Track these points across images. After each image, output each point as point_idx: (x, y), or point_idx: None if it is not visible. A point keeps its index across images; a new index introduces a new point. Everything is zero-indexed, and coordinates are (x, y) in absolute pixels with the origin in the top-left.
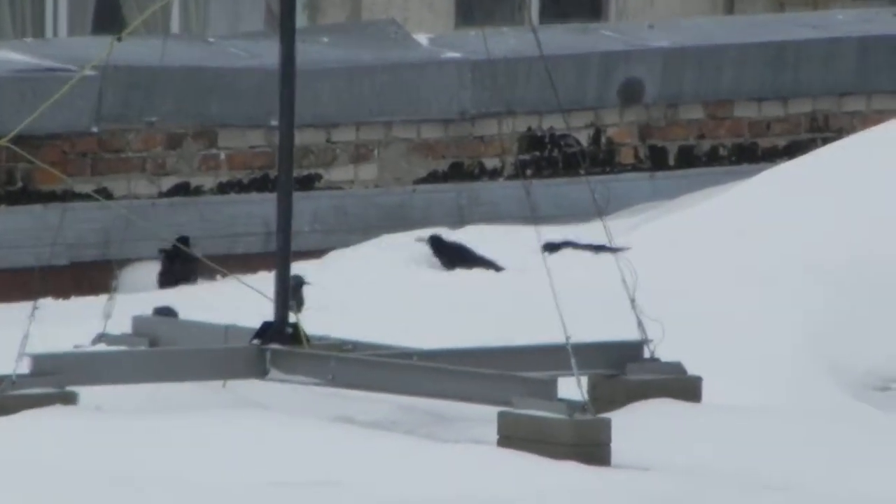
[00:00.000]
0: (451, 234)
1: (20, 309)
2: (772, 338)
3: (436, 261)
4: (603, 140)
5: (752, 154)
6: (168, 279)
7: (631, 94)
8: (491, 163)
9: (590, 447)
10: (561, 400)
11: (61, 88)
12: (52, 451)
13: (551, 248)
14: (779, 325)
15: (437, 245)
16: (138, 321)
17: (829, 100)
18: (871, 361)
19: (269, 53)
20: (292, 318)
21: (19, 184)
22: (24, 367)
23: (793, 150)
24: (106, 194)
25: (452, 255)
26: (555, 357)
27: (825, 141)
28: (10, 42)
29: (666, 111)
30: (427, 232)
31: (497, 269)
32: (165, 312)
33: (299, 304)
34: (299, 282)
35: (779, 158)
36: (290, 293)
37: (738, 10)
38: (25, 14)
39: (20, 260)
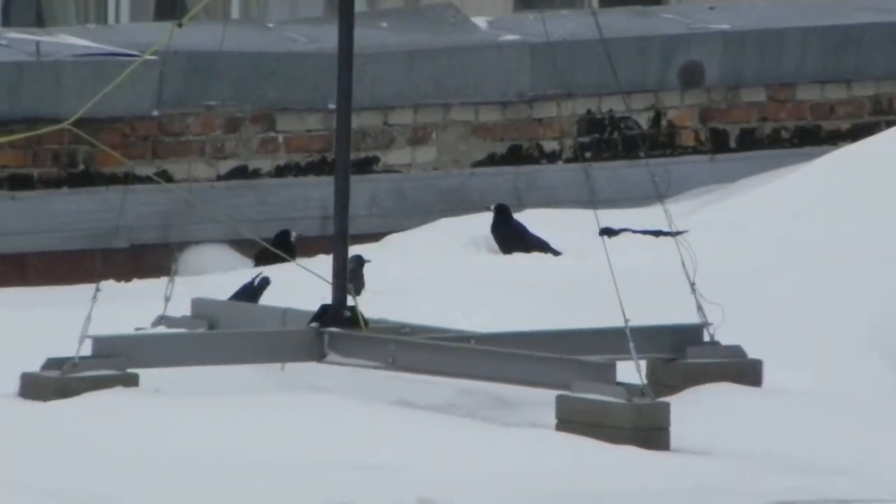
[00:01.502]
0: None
1: (82, 291)
2: (832, 321)
3: (494, 245)
4: (663, 123)
5: (814, 137)
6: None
7: (692, 76)
8: (549, 146)
9: (648, 431)
10: (619, 384)
11: (123, 73)
12: (113, 432)
13: (609, 233)
14: (839, 309)
15: (503, 214)
16: (198, 304)
17: (893, 83)
18: None
19: (327, 38)
20: (350, 301)
21: (81, 166)
22: (86, 350)
23: (856, 132)
24: (166, 177)
25: (512, 231)
26: (613, 341)
27: (889, 124)
28: (73, 27)
29: (727, 94)
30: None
31: (555, 253)
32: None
33: (359, 285)
34: (360, 261)
35: (842, 141)
36: (348, 275)
37: None
38: (88, 0)
39: (82, 242)
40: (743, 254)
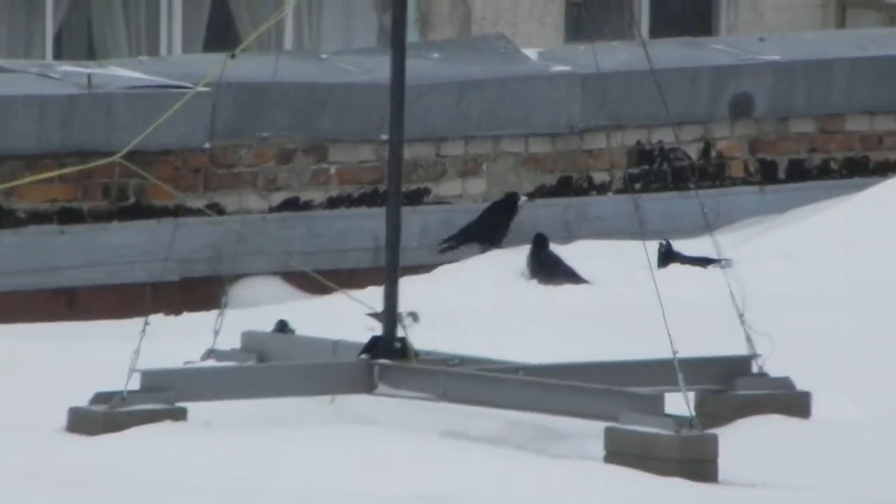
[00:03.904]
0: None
1: (131, 324)
2: (881, 352)
3: (526, 271)
4: (713, 154)
5: (863, 168)
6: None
7: (741, 107)
8: (599, 177)
9: (697, 463)
10: (668, 415)
11: (175, 105)
12: (162, 466)
13: (666, 252)
14: (889, 340)
15: (540, 243)
16: (247, 337)
17: None
18: None
19: (380, 69)
20: (400, 333)
21: (132, 199)
22: (135, 384)
23: None
24: (218, 210)
25: (546, 262)
26: (662, 372)
27: None
28: (125, 59)
29: (776, 125)
30: None
31: (581, 280)
32: (281, 328)
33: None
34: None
35: (891, 172)
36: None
37: (850, 24)
38: (140, 32)
39: (133, 276)
40: (792, 284)
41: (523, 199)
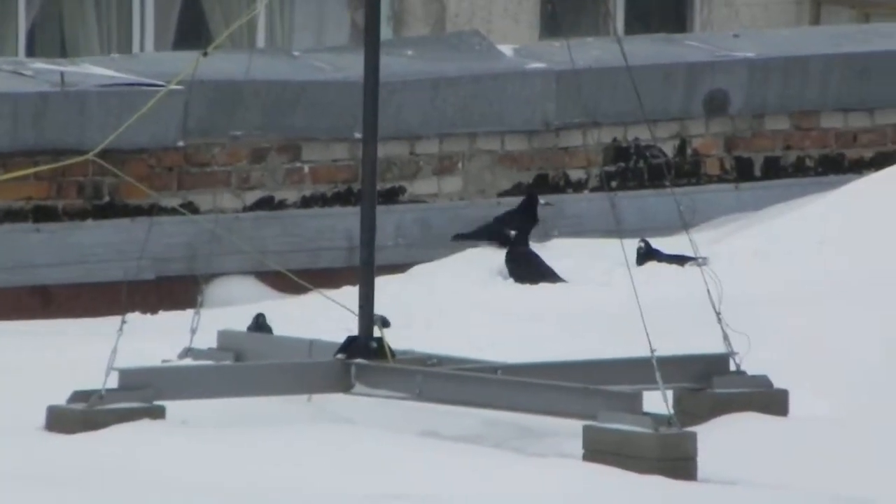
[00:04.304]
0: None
1: (108, 323)
2: (859, 350)
3: (504, 270)
4: (688, 151)
5: (838, 165)
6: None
7: (716, 104)
8: (576, 174)
9: (675, 461)
10: (646, 414)
11: (147, 103)
12: (140, 464)
13: (646, 251)
14: (866, 338)
15: (518, 242)
16: (224, 335)
17: None
18: None
19: (353, 67)
20: (377, 332)
21: (106, 198)
22: (113, 382)
23: (880, 161)
24: (192, 208)
25: (524, 259)
26: (640, 370)
27: None
28: (97, 57)
29: (751, 122)
30: None
31: (558, 279)
32: (258, 321)
33: (384, 325)
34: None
35: (865, 170)
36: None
37: (824, 21)
38: (112, 29)
39: (107, 274)
40: (768, 282)
41: (542, 201)
